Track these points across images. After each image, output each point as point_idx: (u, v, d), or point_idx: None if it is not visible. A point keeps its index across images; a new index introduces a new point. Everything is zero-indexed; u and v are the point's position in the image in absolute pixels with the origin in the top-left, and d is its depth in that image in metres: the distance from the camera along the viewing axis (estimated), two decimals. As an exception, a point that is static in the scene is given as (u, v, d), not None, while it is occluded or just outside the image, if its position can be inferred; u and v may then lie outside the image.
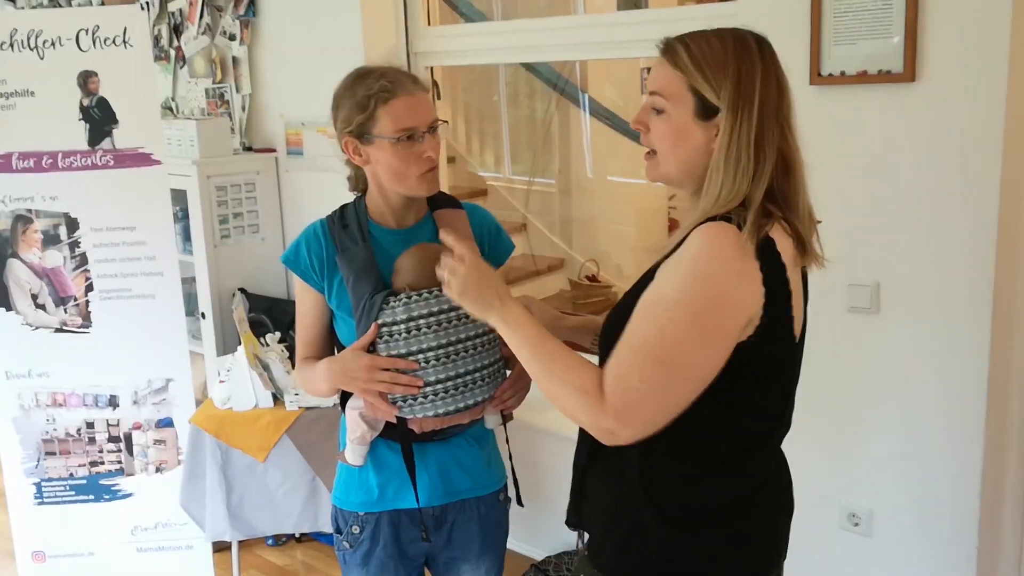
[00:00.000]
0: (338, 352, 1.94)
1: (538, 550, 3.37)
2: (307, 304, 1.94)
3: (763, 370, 1.42)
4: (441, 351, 1.75)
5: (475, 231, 1.95)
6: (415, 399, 1.77)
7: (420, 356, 1.75)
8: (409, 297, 1.75)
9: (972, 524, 2.39)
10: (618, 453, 1.45)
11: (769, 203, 1.37)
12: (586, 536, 1.64)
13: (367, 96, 1.80)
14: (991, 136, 2.19)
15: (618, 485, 1.49)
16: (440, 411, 1.78)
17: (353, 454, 1.91)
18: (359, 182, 1.94)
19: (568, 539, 3.30)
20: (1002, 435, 2.39)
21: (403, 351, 1.74)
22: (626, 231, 5.18)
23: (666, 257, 1.39)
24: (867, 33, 2.30)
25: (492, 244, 2.00)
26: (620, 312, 1.46)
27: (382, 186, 1.86)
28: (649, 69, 4.91)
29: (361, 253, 1.84)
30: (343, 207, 1.94)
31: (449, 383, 1.76)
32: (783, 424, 1.55)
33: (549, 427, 3.14)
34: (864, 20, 2.29)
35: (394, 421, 1.82)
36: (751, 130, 1.35)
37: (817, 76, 2.39)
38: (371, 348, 1.78)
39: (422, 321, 1.74)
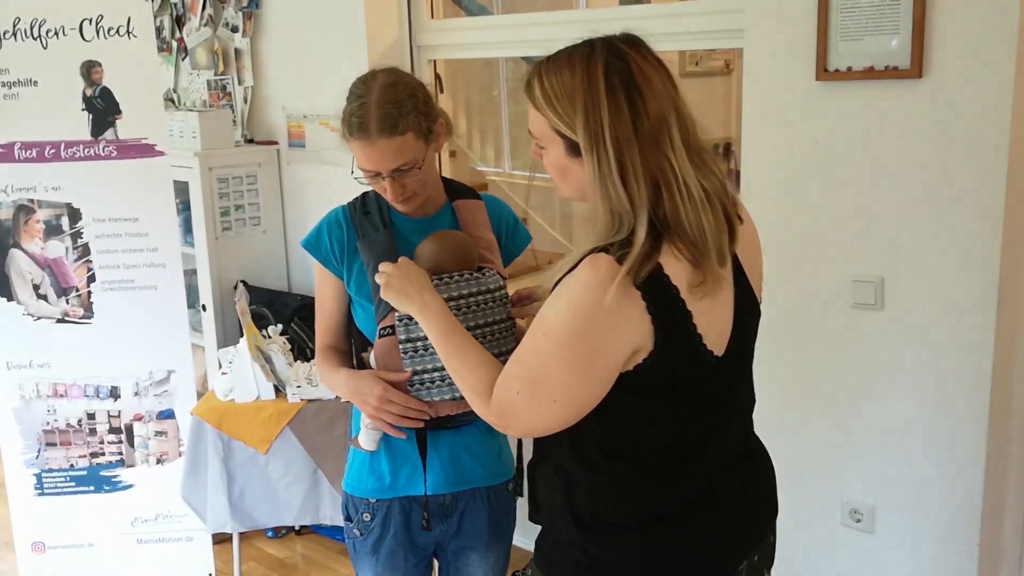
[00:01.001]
0: (355, 338, 1.96)
1: (538, 544, 3.37)
2: (326, 290, 1.95)
3: (666, 390, 1.42)
4: None
5: (493, 222, 1.97)
6: (432, 382, 1.79)
7: None
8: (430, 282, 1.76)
9: (974, 521, 2.40)
10: (551, 456, 1.52)
11: (656, 231, 1.34)
12: None
13: (344, 118, 1.79)
14: (998, 133, 2.19)
15: (552, 487, 1.54)
16: (457, 395, 1.77)
17: (367, 439, 1.91)
18: None
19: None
20: (1005, 432, 2.40)
21: (422, 334, 1.75)
22: (626, 227, 5.18)
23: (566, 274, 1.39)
24: (874, 29, 2.29)
25: (510, 235, 2.02)
26: None
27: None
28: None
29: (382, 239, 1.85)
30: (364, 195, 1.94)
31: None
32: (707, 443, 1.50)
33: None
34: (871, 16, 2.29)
35: (403, 436, 1.85)
36: (611, 166, 1.32)
37: (823, 72, 2.38)
38: (391, 331, 1.79)
39: None
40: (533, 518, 1.65)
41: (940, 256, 2.32)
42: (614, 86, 1.33)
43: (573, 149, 1.38)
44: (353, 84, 1.82)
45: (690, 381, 1.44)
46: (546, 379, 1.38)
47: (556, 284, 1.40)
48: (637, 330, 1.35)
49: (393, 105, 1.74)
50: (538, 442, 1.57)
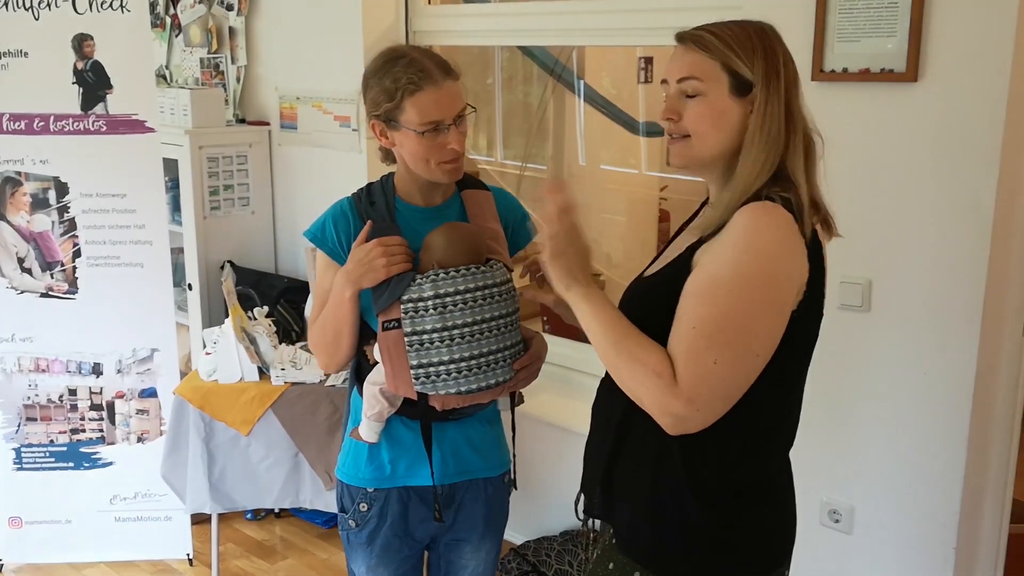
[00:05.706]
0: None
1: (517, 535, 3.37)
2: (330, 281, 1.87)
3: (800, 343, 1.45)
4: (467, 329, 1.73)
5: (502, 214, 1.95)
6: (438, 376, 1.75)
7: (446, 333, 1.73)
8: (437, 275, 1.75)
9: (951, 525, 2.41)
10: (653, 441, 1.45)
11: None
12: (591, 523, 1.65)
13: (395, 85, 1.77)
14: (990, 139, 2.19)
15: (654, 471, 1.49)
16: (463, 389, 1.76)
17: (368, 431, 1.90)
18: (389, 155, 1.92)
19: (549, 525, 3.30)
20: (985, 438, 2.41)
21: (428, 327, 1.73)
22: (616, 220, 5.18)
23: (707, 238, 1.42)
24: (871, 31, 2.30)
25: (516, 229, 2.00)
26: (645, 289, 1.52)
27: (409, 166, 1.86)
28: (645, 59, 4.91)
29: (392, 230, 1.82)
30: (369, 185, 1.92)
31: (473, 361, 1.75)
32: (799, 403, 1.56)
33: (533, 414, 3.14)
34: (869, 18, 2.29)
35: (414, 396, 1.80)
36: (781, 103, 1.41)
37: (819, 72, 2.38)
38: (397, 324, 1.75)
39: (448, 299, 1.73)
40: (600, 515, 1.60)
41: (928, 260, 2.33)
42: (783, 47, 1.46)
43: (739, 89, 1.42)
44: (380, 58, 1.81)
45: (812, 338, 1.49)
46: (746, 334, 1.35)
47: (695, 244, 1.44)
48: (801, 271, 1.40)
49: (437, 55, 1.80)
50: (624, 433, 1.51)
